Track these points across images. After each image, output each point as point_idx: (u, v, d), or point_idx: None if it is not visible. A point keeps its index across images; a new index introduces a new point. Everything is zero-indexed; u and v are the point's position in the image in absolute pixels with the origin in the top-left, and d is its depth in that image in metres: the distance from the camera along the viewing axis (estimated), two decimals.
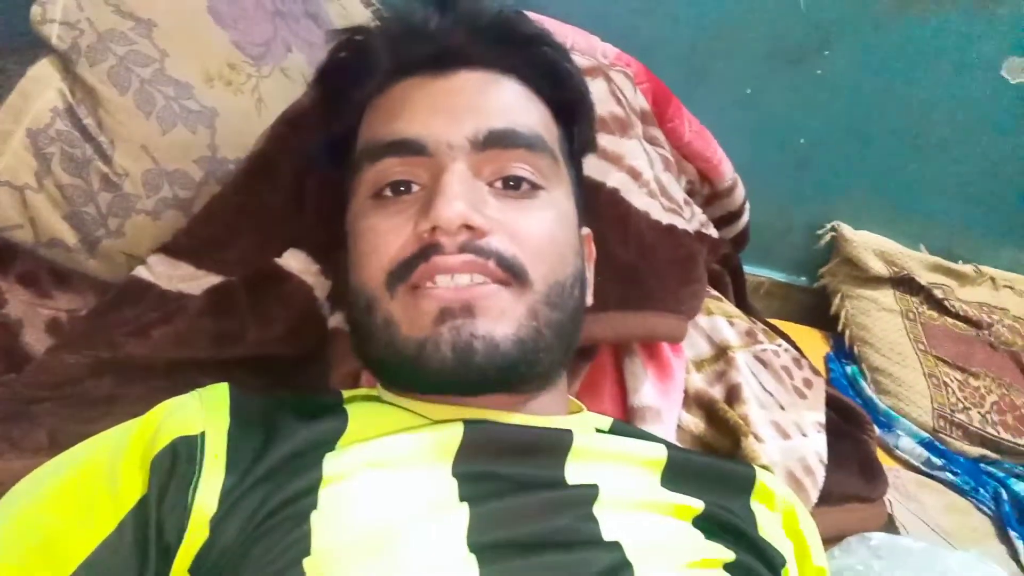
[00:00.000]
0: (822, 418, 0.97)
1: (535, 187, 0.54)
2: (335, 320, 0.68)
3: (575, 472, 0.51)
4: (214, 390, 0.53)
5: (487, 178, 0.53)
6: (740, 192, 1.23)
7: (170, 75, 0.66)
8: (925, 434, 1.25)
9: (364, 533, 0.43)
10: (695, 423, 0.87)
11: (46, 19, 0.64)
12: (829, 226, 1.46)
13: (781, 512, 0.60)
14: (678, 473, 0.56)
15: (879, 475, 1.00)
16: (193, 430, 0.48)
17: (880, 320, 1.41)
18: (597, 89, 0.88)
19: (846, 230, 1.44)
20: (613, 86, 0.91)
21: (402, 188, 0.52)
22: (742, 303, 1.19)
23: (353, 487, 0.46)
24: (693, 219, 1.08)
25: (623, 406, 0.82)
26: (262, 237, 0.65)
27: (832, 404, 1.11)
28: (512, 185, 0.53)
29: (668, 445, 0.58)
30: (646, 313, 0.79)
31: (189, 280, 0.62)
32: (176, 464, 0.46)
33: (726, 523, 0.54)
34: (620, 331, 0.77)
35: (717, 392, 0.94)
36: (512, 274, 0.50)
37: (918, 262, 1.45)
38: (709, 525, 0.52)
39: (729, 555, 0.50)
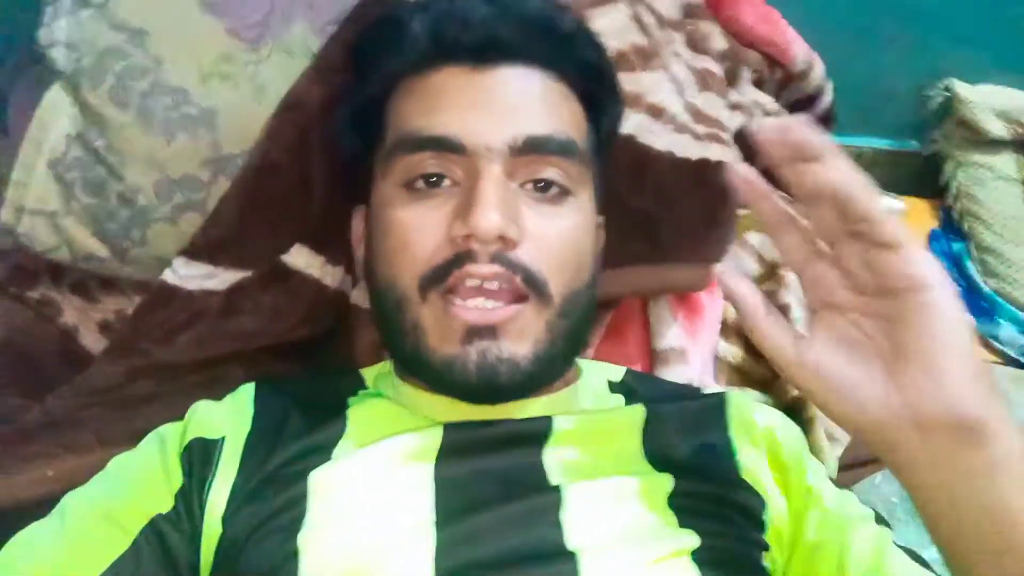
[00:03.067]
0: None
1: (564, 192, 0.57)
2: (356, 296, 0.73)
3: (554, 460, 0.56)
4: (241, 393, 0.61)
5: (519, 180, 0.56)
6: (817, 73, 1.13)
7: (166, 83, 0.69)
8: None
9: (344, 563, 0.49)
10: (733, 352, 0.87)
11: (54, 41, 0.69)
12: (941, 86, 1.31)
13: (764, 446, 0.61)
14: (659, 428, 0.60)
15: None
16: (214, 434, 0.57)
17: (996, 191, 1.28)
18: (615, 20, 0.82)
19: (961, 88, 1.29)
20: (638, 7, 0.84)
21: (434, 180, 0.55)
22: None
23: (335, 508, 0.52)
24: (753, 120, 1.01)
25: (647, 349, 0.83)
26: (271, 229, 0.69)
27: None
28: (542, 187, 0.56)
29: (648, 404, 0.61)
30: (664, 266, 0.78)
31: (211, 278, 0.68)
32: (194, 463, 0.55)
33: (701, 493, 0.56)
34: (636, 287, 0.77)
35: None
36: (535, 290, 0.54)
37: None
38: (684, 501, 0.55)
39: (695, 542, 0.52)
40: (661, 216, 0.79)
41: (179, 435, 0.57)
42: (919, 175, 1.37)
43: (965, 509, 0.40)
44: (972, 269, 1.24)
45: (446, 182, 0.55)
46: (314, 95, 0.71)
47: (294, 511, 0.52)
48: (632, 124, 0.80)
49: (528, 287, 0.53)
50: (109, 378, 0.63)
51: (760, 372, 0.86)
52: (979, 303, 1.19)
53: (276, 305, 0.67)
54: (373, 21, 0.66)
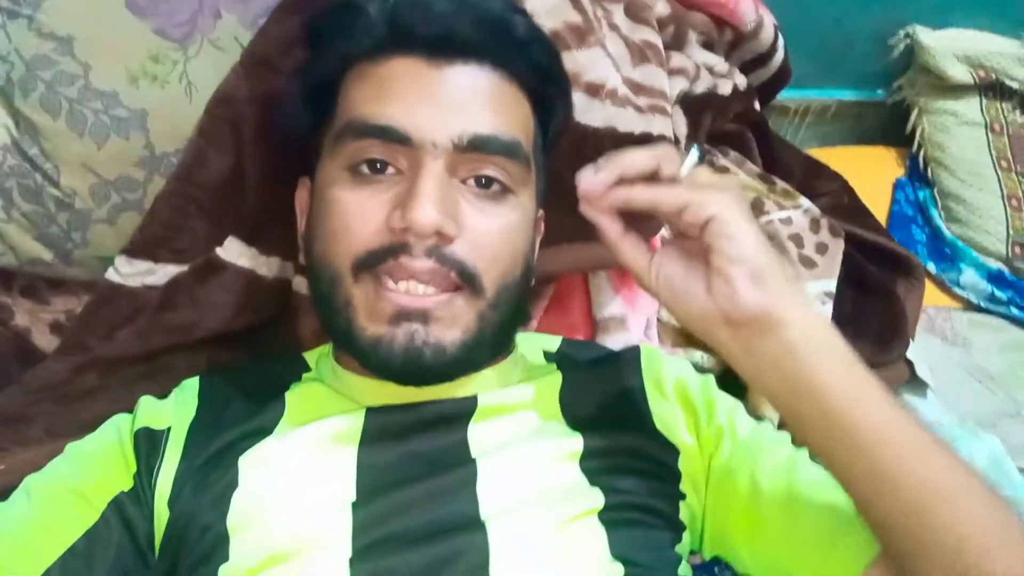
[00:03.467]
0: (831, 286, 0.95)
1: (505, 190, 0.58)
2: (298, 283, 0.75)
3: (476, 436, 0.59)
4: (187, 386, 0.65)
5: (461, 176, 0.57)
6: (768, 31, 1.13)
7: (95, 88, 0.71)
8: (993, 265, 1.17)
9: (268, 547, 0.52)
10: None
11: None
12: (903, 33, 1.29)
13: (675, 394, 0.64)
14: (575, 391, 0.63)
15: (900, 334, 0.97)
16: (160, 424, 0.60)
17: (960, 136, 1.27)
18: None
19: (923, 34, 1.28)
20: None
21: (378, 166, 0.56)
22: (771, 159, 1.13)
23: (260, 493, 0.55)
24: (697, 82, 1.02)
25: (590, 319, 0.85)
26: (205, 224, 0.72)
27: (875, 250, 1.07)
28: (483, 184, 0.57)
29: (567, 369, 0.66)
30: (595, 244, 0.79)
31: (151, 274, 0.71)
32: (141, 451, 0.58)
33: (613, 450, 0.59)
34: (573, 264, 0.79)
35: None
36: (468, 284, 0.56)
37: (1014, 59, 1.27)
38: (595, 462, 0.58)
39: (602, 501, 0.55)
40: None
41: (129, 425, 0.60)
42: (885, 124, 1.37)
43: (777, 387, 0.49)
44: (936, 216, 1.24)
45: (390, 169, 0.56)
46: (243, 90, 0.73)
47: (225, 496, 0.55)
48: None
49: (462, 280, 0.55)
50: (55, 374, 0.67)
51: None
52: (942, 249, 1.20)
53: (211, 298, 0.70)
54: (332, 4, 0.65)
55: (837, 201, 1.13)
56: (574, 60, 0.81)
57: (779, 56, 1.14)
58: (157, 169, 0.74)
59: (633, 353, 0.67)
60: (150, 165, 0.73)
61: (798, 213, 1.00)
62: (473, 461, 0.56)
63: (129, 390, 0.67)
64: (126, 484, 0.57)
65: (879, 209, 1.26)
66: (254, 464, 0.57)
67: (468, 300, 0.56)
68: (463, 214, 0.56)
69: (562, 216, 0.76)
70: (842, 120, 1.39)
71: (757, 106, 1.17)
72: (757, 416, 0.64)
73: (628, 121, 0.83)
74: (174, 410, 0.62)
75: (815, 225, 1.00)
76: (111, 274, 0.72)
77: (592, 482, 0.56)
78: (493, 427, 0.60)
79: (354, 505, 0.54)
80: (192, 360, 0.70)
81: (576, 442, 0.58)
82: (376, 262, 0.55)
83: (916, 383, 0.96)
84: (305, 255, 0.63)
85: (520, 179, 0.59)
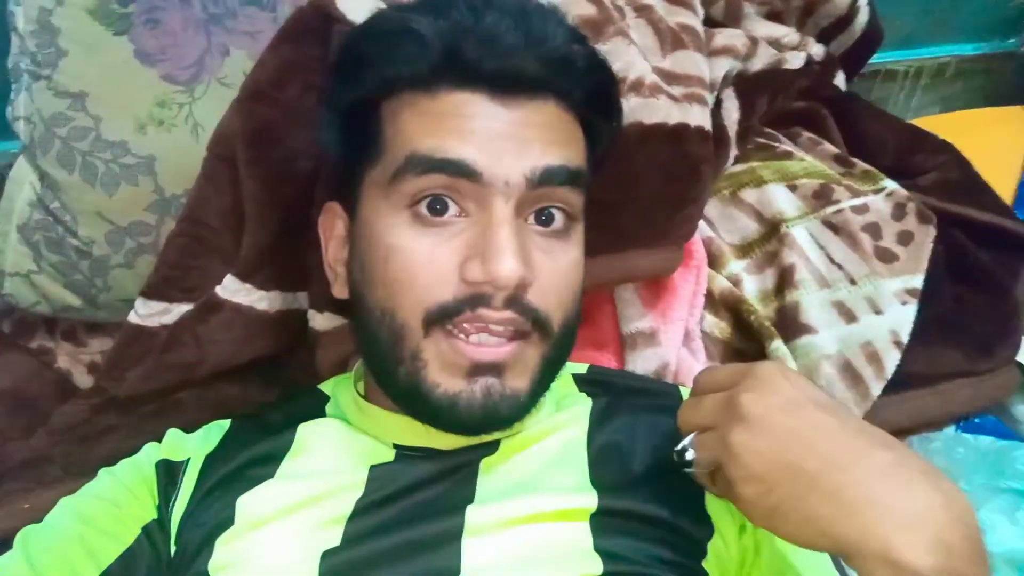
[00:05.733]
0: (915, 282, 0.82)
1: (568, 223, 0.56)
2: (319, 322, 0.74)
3: (487, 476, 0.56)
4: (217, 424, 0.66)
5: (525, 214, 0.54)
6: None
7: (105, 139, 0.74)
8: None
9: None
10: (720, 327, 0.81)
11: (14, 116, 0.77)
12: None
13: None
14: (606, 441, 0.59)
15: (1009, 335, 0.82)
16: (180, 456, 0.62)
17: None
18: None
19: None
20: None
21: (439, 207, 0.53)
22: (857, 136, 0.99)
23: (247, 541, 0.54)
24: (753, 59, 0.92)
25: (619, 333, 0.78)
26: (210, 260, 0.73)
27: (991, 234, 0.92)
28: (544, 220, 0.55)
29: (593, 394, 0.63)
30: (625, 254, 0.73)
31: (166, 314, 0.73)
32: (161, 482, 0.60)
33: (633, 513, 0.54)
34: (599, 278, 0.73)
35: (769, 278, 0.84)
36: (540, 329, 0.53)
37: None
38: (607, 522, 0.53)
39: (598, 568, 0.50)
40: (623, 201, 0.74)
41: (152, 457, 0.62)
42: (1017, 78, 1.17)
43: None
44: None
45: (452, 209, 0.53)
46: (235, 126, 0.73)
47: (212, 536, 0.55)
48: None
49: (534, 328, 0.53)
50: (76, 416, 0.71)
51: (749, 347, 0.78)
52: None
53: (212, 335, 0.71)
54: (375, 21, 0.61)
55: (945, 176, 0.97)
56: None
57: (863, 17, 1.01)
58: (168, 211, 0.76)
59: (673, 400, 0.61)
60: (161, 208, 0.76)
61: (878, 198, 0.87)
62: (464, 510, 0.53)
63: (141, 428, 0.69)
64: (152, 514, 0.58)
65: (1013, 181, 1.08)
66: (249, 506, 0.56)
67: (537, 346, 0.54)
68: (533, 258, 0.53)
69: (586, 230, 0.70)
70: (967, 78, 1.21)
71: (842, 77, 1.04)
72: None
73: (658, 111, 0.75)
74: (197, 443, 0.63)
75: (899, 211, 0.86)
76: (132, 316, 0.75)
77: (596, 546, 0.51)
78: (506, 465, 0.57)
79: (324, 554, 0.51)
80: (201, 396, 0.72)
81: (590, 498, 0.54)
82: (452, 315, 0.51)
83: None
84: (354, 298, 0.59)
85: (581, 208, 0.57)
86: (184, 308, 0.74)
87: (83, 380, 0.78)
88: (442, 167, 0.51)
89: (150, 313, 0.74)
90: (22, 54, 0.75)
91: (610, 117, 0.63)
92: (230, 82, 0.79)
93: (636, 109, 0.75)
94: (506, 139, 0.53)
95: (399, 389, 0.55)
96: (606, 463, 0.57)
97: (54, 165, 0.74)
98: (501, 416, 0.52)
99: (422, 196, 0.52)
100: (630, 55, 0.78)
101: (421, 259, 0.52)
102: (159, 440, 0.64)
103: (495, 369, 0.52)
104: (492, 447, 0.57)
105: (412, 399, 0.54)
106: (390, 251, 0.53)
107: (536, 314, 0.53)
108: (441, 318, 0.52)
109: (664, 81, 0.79)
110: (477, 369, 0.52)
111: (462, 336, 0.52)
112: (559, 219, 0.55)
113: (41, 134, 0.75)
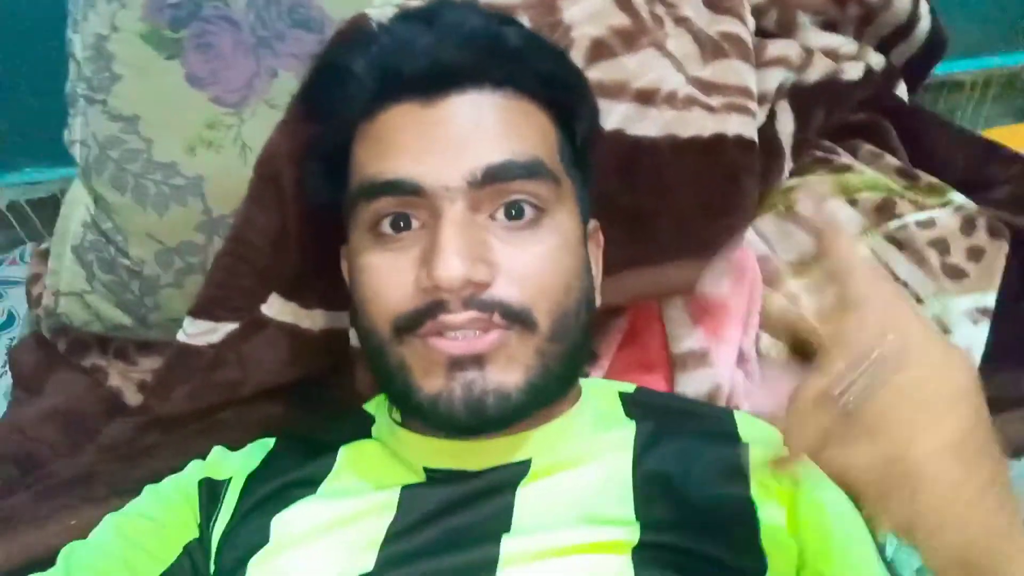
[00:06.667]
0: (987, 300, 0.78)
1: (538, 213, 0.54)
2: (353, 335, 0.74)
3: (524, 503, 0.54)
4: (262, 443, 0.66)
5: (487, 211, 0.53)
6: None
7: (156, 160, 0.76)
8: None
9: None
10: (777, 347, 0.77)
11: (71, 140, 0.79)
12: None
13: (786, 501, 0.55)
14: (653, 471, 0.56)
15: None
16: (223, 475, 0.62)
17: None
18: (591, 3, 0.76)
19: None
20: None
21: (401, 224, 0.54)
22: (923, 149, 0.95)
23: (279, 563, 0.54)
24: (809, 69, 0.89)
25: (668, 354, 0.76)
26: (255, 280, 0.73)
27: None
28: (514, 215, 0.54)
29: (640, 416, 0.60)
30: (661, 267, 0.71)
31: (213, 333, 0.74)
32: (204, 501, 0.60)
33: (680, 547, 0.51)
34: (634, 292, 0.71)
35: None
36: (517, 321, 0.52)
37: None
38: (651, 555, 0.50)
39: None
40: (657, 210, 0.72)
41: (196, 475, 0.62)
42: None
43: None
44: None
45: (414, 223, 0.53)
46: (282, 148, 0.73)
47: (246, 557, 0.54)
48: (618, 117, 0.73)
49: (508, 320, 0.51)
50: (122, 434, 0.72)
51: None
52: None
53: (256, 355, 0.71)
54: (318, 68, 0.65)
55: (1018, 190, 0.92)
56: (622, 67, 0.74)
57: (924, 25, 0.96)
58: (216, 231, 0.77)
59: (735, 441, 0.59)
60: (209, 228, 0.77)
61: (945, 213, 0.82)
62: (500, 539, 0.51)
63: (185, 447, 0.69)
64: (194, 533, 0.58)
65: None
66: (285, 524, 0.55)
67: (522, 337, 0.52)
68: (495, 252, 0.52)
69: (616, 240, 0.68)
70: None
71: (903, 88, 1.00)
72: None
73: (693, 124, 0.74)
74: (240, 462, 0.62)
75: (968, 225, 0.82)
76: (180, 335, 0.75)
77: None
78: (544, 491, 0.54)
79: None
80: (244, 415, 0.72)
81: (634, 530, 0.51)
82: (415, 325, 0.52)
83: None
84: (352, 323, 0.62)
85: (552, 197, 0.55)
86: (230, 327, 0.74)
87: (134, 398, 0.79)
88: (385, 190, 0.53)
89: (197, 332, 0.74)
90: (79, 79, 0.77)
91: (570, 94, 0.61)
92: (278, 104, 0.79)
93: (670, 123, 0.74)
94: (442, 144, 0.53)
95: (403, 404, 0.56)
96: (653, 493, 0.54)
97: (107, 187, 0.76)
98: (488, 413, 0.51)
99: (379, 219, 0.54)
100: (661, 67, 0.76)
101: (381, 275, 0.53)
102: (203, 459, 0.64)
103: (476, 362, 0.51)
104: (523, 468, 0.55)
105: (413, 410, 0.54)
106: (359, 272, 0.55)
107: (507, 308, 0.51)
108: (406, 329, 0.52)
109: (702, 91, 0.77)
110: (456, 364, 0.51)
111: (435, 339, 0.51)
112: (528, 211, 0.53)
113: (95, 157, 0.76)
